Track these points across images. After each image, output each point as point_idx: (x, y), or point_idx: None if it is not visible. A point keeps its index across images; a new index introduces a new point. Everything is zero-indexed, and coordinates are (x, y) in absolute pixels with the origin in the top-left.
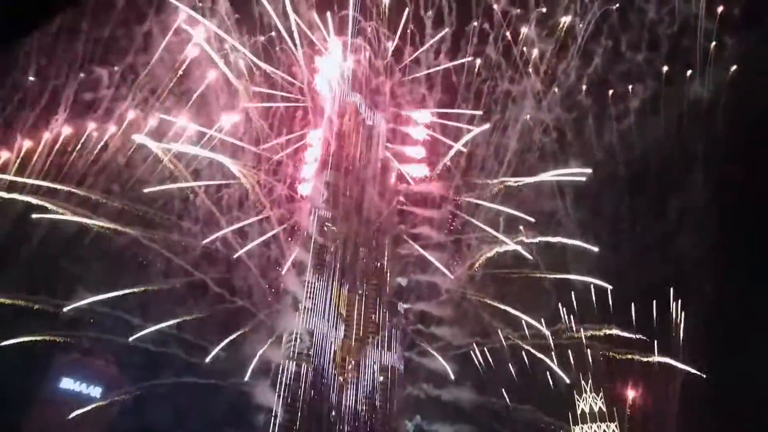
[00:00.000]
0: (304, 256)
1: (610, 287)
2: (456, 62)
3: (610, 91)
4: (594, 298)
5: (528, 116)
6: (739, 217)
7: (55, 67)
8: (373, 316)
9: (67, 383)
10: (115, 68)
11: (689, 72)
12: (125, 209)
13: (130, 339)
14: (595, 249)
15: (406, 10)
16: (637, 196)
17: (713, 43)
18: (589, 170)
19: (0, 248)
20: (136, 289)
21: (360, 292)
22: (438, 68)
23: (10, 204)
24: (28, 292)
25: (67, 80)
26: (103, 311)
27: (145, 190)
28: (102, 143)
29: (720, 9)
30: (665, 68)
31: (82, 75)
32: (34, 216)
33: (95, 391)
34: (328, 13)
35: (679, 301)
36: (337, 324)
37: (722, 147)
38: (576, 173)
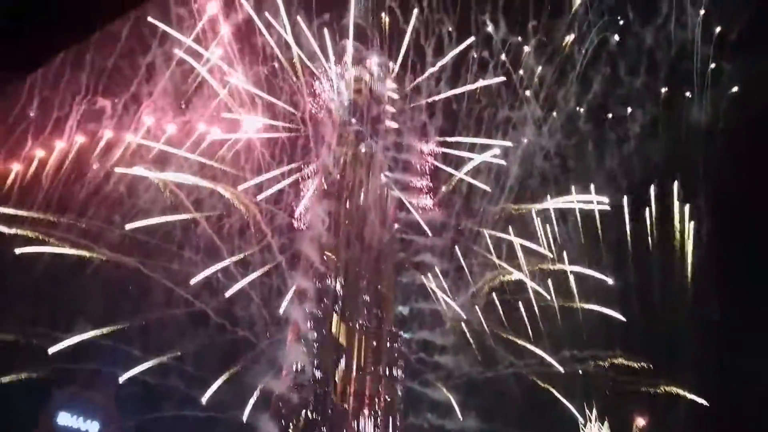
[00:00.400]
0: (306, 285)
1: (623, 318)
2: (456, 90)
3: (610, 116)
4: (599, 324)
5: (526, 141)
6: (741, 239)
7: (58, 98)
8: (374, 345)
9: (64, 418)
10: (117, 99)
11: (688, 95)
12: (126, 239)
13: (123, 377)
14: (609, 281)
15: (406, 38)
16: (639, 220)
17: (711, 67)
18: (605, 198)
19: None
20: (135, 321)
21: (360, 321)
22: (439, 96)
23: (10, 236)
24: (27, 325)
25: (70, 111)
26: (103, 343)
27: (127, 227)
28: (103, 173)
29: (716, 33)
30: (664, 91)
31: (84, 106)
32: (32, 249)
33: (93, 426)
34: (329, 42)
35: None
36: (337, 354)
37: (723, 170)
38: (590, 200)
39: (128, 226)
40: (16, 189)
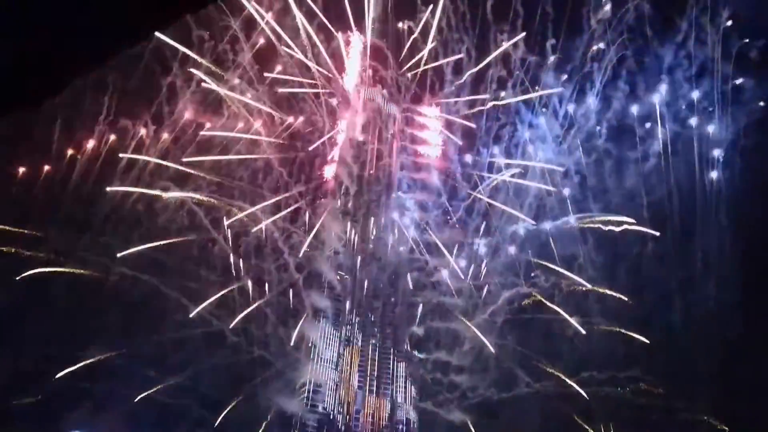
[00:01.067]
0: (322, 304)
1: (646, 341)
2: (474, 110)
3: (630, 134)
4: (619, 344)
5: (544, 160)
6: (763, 260)
7: (80, 119)
8: (388, 365)
9: None
10: (138, 120)
11: (710, 113)
12: (144, 258)
13: (137, 398)
14: (626, 299)
15: (424, 57)
16: (659, 240)
17: (731, 85)
18: (632, 220)
19: (21, 299)
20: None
21: (374, 341)
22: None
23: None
24: (45, 344)
25: (93, 132)
26: (119, 362)
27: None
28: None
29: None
30: (684, 108)
31: (105, 126)
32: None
33: None
34: (346, 61)
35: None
36: (350, 374)
37: (744, 189)
38: (616, 221)
39: (120, 254)
40: (36, 209)
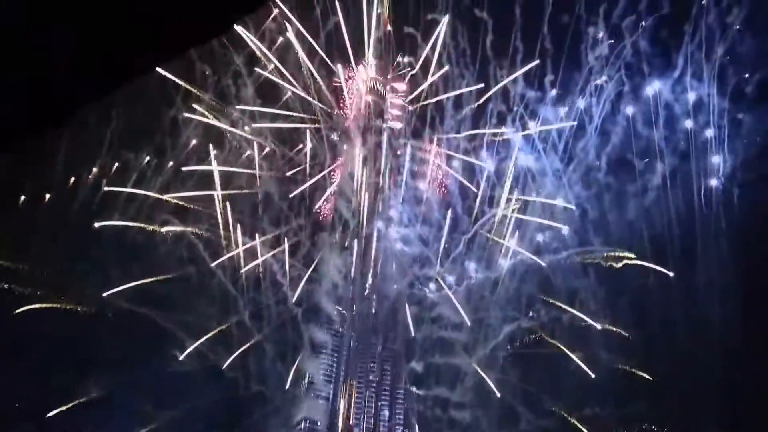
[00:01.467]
0: (320, 339)
1: (649, 377)
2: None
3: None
4: (622, 379)
5: (544, 194)
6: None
7: (81, 151)
8: (386, 402)
9: None
10: (140, 153)
11: (707, 147)
12: (141, 290)
13: None
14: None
15: (424, 92)
16: (659, 273)
17: (728, 119)
18: (632, 255)
19: (16, 334)
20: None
21: (370, 377)
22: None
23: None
24: (41, 375)
25: (94, 163)
26: (115, 397)
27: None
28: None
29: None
30: (682, 143)
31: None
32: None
33: None
34: (345, 91)
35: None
36: (348, 410)
37: (744, 225)
38: (617, 256)
39: (106, 294)
40: (35, 242)
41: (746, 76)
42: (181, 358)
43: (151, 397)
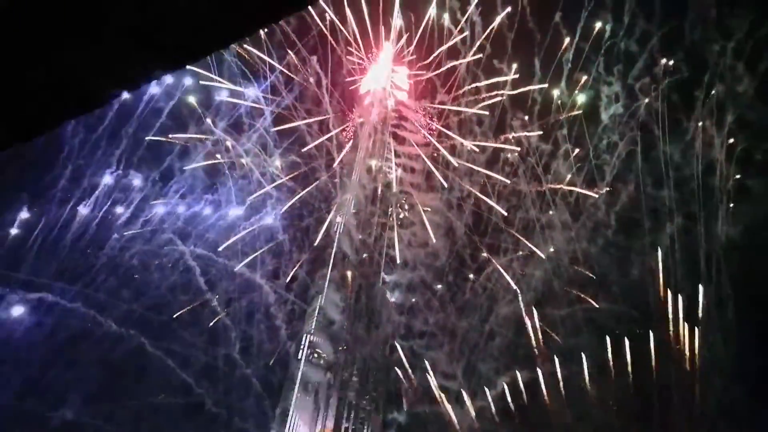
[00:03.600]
0: (312, 377)
1: None
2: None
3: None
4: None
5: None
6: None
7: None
8: None
9: None
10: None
11: (715, 211)
12: (133, 313)
13: None
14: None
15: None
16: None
17: (736, 184)
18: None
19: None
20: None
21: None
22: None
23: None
24: (16, 397)
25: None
26: (91, 425)
27: None
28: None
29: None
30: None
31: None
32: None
33: None
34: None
35: None
36: None
37: (748, 289)
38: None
39: None
40: (32, 252)
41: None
42: (164, 388)
43: (127, 428)
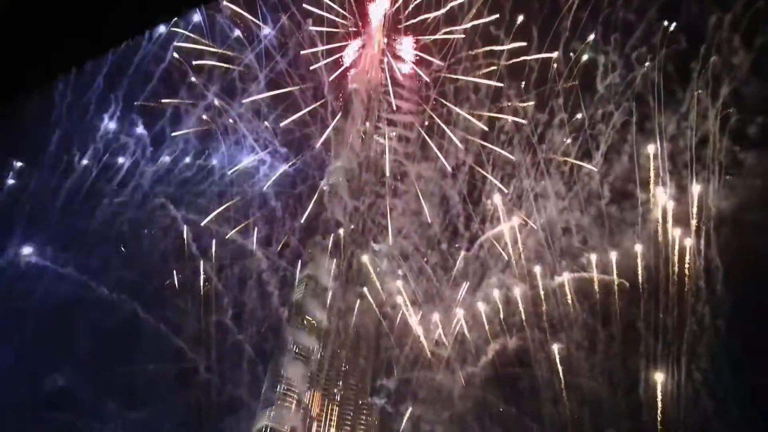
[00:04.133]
0: (305, 343)
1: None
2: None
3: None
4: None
5: (546, 217)
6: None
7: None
8: (351, 417)
9: None
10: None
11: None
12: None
13: None
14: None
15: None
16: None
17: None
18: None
19: None
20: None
21: (335, 390)
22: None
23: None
24: (8, 367)
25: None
26: (84, 392)
27: None
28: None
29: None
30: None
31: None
32: None
33: None
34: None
35: None
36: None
37: (746, 262)
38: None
39: None
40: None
41: (746, 117)
42: (156, 355)
43: (119, 395)
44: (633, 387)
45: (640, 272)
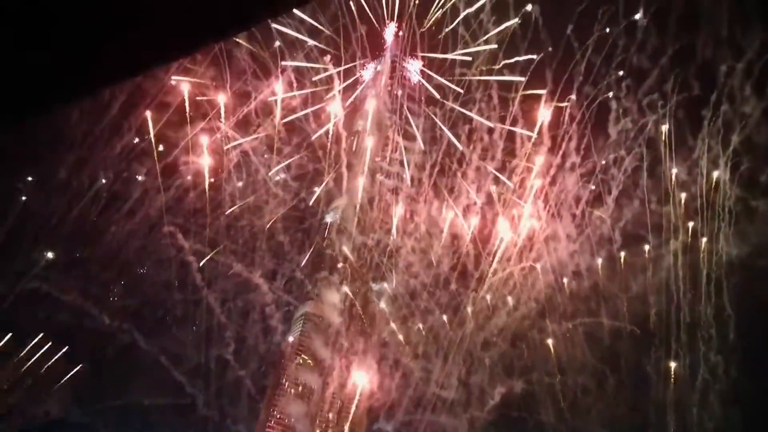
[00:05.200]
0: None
1: None
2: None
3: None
4: None
5: (556, 258)
6: None
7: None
8: None
9: None
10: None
11: (718, 231)
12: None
13: None
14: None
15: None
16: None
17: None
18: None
19: None
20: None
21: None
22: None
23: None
24: (6, 394)
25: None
26: (81, 421)
27: None
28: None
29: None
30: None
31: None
32: None
33: None
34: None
35: None
36: None
37: (750, 311)
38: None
39: None
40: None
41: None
42: (154, 387)
43: (114, 426)
44: None
45: (651, 318)
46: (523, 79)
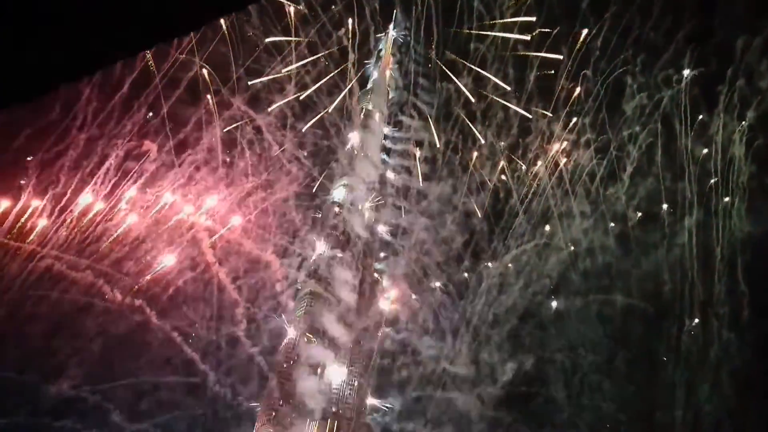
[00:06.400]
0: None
1: None
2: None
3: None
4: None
5: (569, 236)
6: None
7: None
8: None
9: None
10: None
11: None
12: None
13: None
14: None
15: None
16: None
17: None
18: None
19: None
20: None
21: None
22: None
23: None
24: (15, 370)
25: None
26: (89, 400)
27: None
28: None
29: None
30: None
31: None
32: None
33: None
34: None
35: None
36: None
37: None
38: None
39: None
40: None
41: None
42: (167, 365)
43: (125, 404)
44: (651, 413)
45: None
46: (539, 54)
